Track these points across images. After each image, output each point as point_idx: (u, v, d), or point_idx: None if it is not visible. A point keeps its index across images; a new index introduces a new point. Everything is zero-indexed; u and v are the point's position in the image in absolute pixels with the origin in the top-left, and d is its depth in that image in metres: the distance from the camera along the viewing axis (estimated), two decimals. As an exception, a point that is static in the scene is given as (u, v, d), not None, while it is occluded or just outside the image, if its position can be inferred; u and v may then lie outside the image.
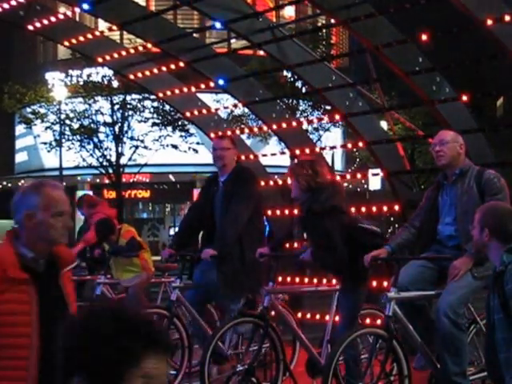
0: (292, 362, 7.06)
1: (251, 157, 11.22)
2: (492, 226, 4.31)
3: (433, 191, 5.83)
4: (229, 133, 11.44)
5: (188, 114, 11.67)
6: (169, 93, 11.34)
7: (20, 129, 40.81)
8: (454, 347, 5.32)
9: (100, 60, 11.28)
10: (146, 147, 31.76)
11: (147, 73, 11.16)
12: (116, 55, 10.95)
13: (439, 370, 5.45)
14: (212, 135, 11.39)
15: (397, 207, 9.22)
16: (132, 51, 11.11)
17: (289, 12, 37.35)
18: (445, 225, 5.67)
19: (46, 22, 10.48)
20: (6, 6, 10.15)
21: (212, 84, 10.79)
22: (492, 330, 4.11)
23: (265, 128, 11.21)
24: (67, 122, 30.96)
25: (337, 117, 10.17)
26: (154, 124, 31.36)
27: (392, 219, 25.77)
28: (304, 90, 23.90)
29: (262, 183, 9.82)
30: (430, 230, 5.74)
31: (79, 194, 42.43)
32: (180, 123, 30.84)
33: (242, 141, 12.27)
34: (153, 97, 27.08)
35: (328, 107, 24.83)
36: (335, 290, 6.69)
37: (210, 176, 6.98)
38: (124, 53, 11.00)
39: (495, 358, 4.10)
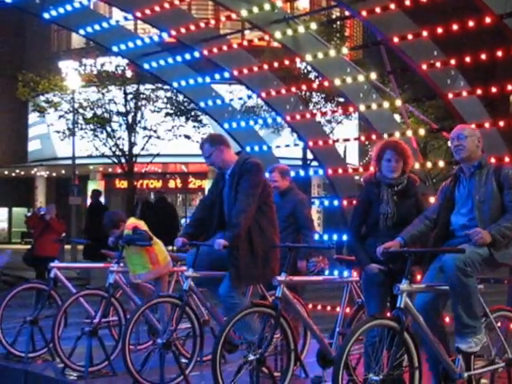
0: (303, 352, 7.09)
1: (264, 148, 11.25)
2: None
3: (449, 184, 5.84)
4: (242, 124, 11.45)
5: (202, 105, 11.69)
6: (183, 83, 11.36)
7: (33, 117, 40.94)
8: (464, 297, 5.34)
9: (115, 49, 11.30)
10: (158, 137, 31.80)
11: (162, 62, 11.18)
12: (131, 45, 10.98)
13: (443, 367, 5.48)
14: (226, 126, 11.41)
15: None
16: (147, 41, 11.11)
17: (303, 4, 37.31)
18: (459, 215, 5.68)
19: (61, 10, 10.52)
20: (22, -6, 10.21)
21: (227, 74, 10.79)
22: None
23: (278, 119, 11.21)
24: (80, 111, 31.02)
25: (351, 109, 10.16)
26: (167, 114, 31.39)
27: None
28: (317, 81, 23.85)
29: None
30: (444, 222, 5.75)
31: (91, 183, 42.61)
32: (193, 113, 30.88)
33: (255, 132, 12.28)
34: (166, 87, 27.12)
35: (341, 99, 24.82)
36: (347, 281, 6.72)
37: (218, 170, 6.98)
38: (139, 42, 11.01)
39: None
